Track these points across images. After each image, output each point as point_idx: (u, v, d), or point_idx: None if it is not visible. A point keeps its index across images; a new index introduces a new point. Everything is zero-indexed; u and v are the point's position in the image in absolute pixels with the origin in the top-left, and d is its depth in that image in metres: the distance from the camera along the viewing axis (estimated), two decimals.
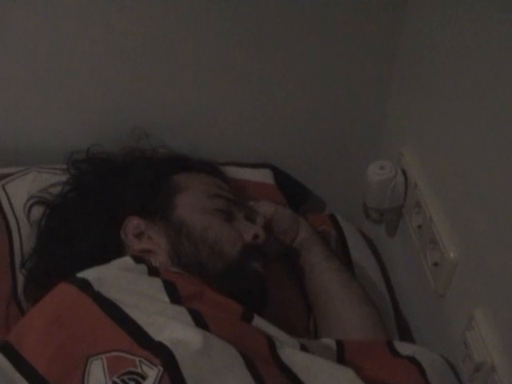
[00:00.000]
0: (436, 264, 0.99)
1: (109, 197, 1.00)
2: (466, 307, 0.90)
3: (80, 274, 0.83)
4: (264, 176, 1.26)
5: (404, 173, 1.10)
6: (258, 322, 0.84)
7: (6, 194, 1.09)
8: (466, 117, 0.90)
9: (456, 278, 0.95)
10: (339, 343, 0.91)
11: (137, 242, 0.95)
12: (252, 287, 0.95)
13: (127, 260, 0.88)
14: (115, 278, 0.83)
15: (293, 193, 1.29)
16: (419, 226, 1.06)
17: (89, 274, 0.82)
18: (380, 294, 1.17)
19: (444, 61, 0.96)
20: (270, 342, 0.79)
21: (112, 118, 1.19)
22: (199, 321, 0.77)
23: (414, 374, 0.88)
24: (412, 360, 0.90)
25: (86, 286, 0.80)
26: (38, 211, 1.05)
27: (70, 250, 0.95)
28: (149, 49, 1.11)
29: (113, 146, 1.11)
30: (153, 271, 0.87)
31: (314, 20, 1.10)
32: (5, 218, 1.06)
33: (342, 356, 0.89)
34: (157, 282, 0.83)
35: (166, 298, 0.81)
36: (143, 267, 0.87)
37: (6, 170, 1.14)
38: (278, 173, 1.28)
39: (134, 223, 0.96)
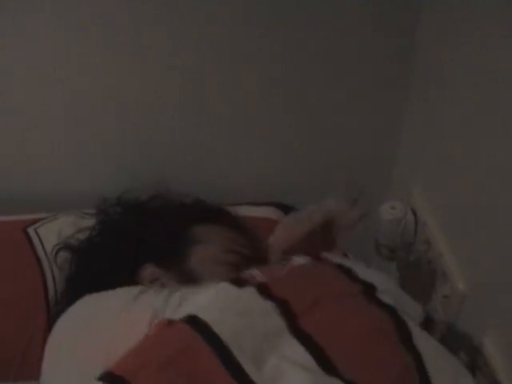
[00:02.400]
0: (446, 296, 1.06)
1: (130, 245, 1.06)
2: (475, 335, 0.97)
3: (193, 311, 0.81)
4: (270, 213, 1.32)
5: (414, 212, 1.18)
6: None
7: (39, 236, 1.16)
8: (474, 158, 0.99)
9: (465, 307, 1.02)
10: None
11: (150, 286, 0.99)
12: None
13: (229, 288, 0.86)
14: (228, 315, 0.82)
15: None
16: (429, 262, 1.13)
17: (203, 314, 0.80)
18: None
19: (454, 101, 1.05)
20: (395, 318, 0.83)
21: (137, 165, 1.28)
22: (320, 358, 0.77)
23: None
24: None
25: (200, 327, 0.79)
26: (66, 255, 1.12)
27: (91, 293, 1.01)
28: (171, 101, 1.22)
29: (141, 193, 1.18)
30: (263, 290, 0.85)
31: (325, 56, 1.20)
32: (38, 259, 1.13)
33: None
34: (268, 306, 0.83)
35: (282, 323, 0.80)
36: (251, 289, 0.85)
37: (37, 215, 1.22)
38: (288, 210, 1.33)
39: (148, 271, 1.02)
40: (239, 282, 0.86)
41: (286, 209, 1.34)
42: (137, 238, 1.06)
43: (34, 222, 1.19)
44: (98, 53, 1.16)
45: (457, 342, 1.05)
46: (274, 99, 1.25)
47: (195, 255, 1.03)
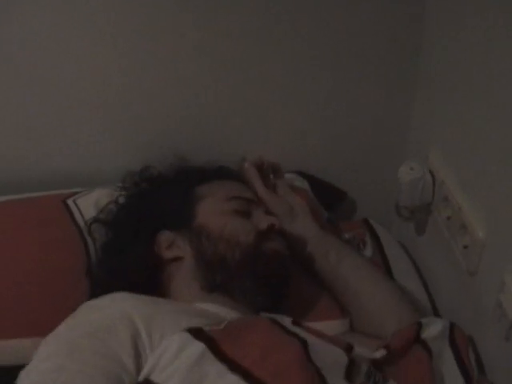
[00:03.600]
0: (466, 247, 1.13)
1: (146, 214, 1.13)
2: (496, 278, 1.03)
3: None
4: (293, 180, 1.39)
5: (431, 172, 1.25)
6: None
7: (78, 207, 1.24)
8: (487, 117, 1.05)
9: (485, 255, 1.08)
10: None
11: (168, 252, 1.08)
12: (273, 267, 1.05)
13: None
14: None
15: (327, 195, 1.42)
16: (448, 218, 1.20)
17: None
18: (416, 286, 1.30)
19: (468, 63, 1.12)
20: None
21: (158, 141, 1.36)
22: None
23: (423, 367, 0.99)
24: (425, 345, 1.02)
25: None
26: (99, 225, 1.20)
27: (119, 262, 1.08)
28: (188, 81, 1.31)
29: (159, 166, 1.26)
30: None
31: (341, 30, 1.29)
32: (79, 228, 1.21)
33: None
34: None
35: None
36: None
37: (74, 190, 1.29)
38: (309, 178, 1.42)
39: (164, 237, 1.09)
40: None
41: (308, 177, 1.41)
42: (148, 208, 1.14)
43: (72, 194, 1.27)
44: (122, 30, 1.24)
45: (479, 288, 1.12)
46: (294, 69, 1.33)
47: (201, 211, 1.10)
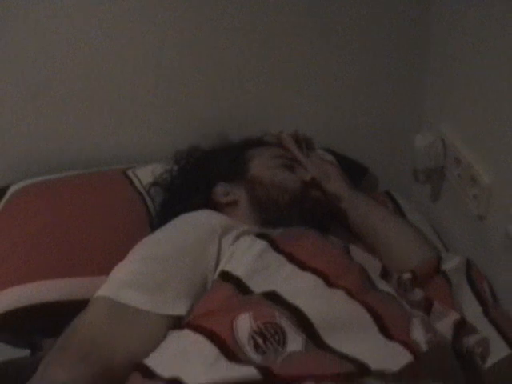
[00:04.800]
0: (475, 196, 1.31)
1: (204, 172, 1.34)
2: (503, 217, 1.21)
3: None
4: (323, 155, 1.57)
5: (442, 140, 1.43)
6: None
7: (137, 176, 1.45)
8: (493, 89, 1.24)
9: (492, 199, 1.26)
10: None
11: (226, 198, 1.28)
12: (316, 209, 1.26)
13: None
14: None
15: (350, 171, 1.56)
16: (459, 175, 1.38)
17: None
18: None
19: (479, 34, 1.27)
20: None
21: (202, 122, 1.54)
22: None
23: (444, 292, 1.16)
24: (445, 275, 1.20)
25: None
26: (157, 189, 1.40)
27: (181, 208, 1.24)
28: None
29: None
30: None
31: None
32: (140, 193, 1.41)
33: None
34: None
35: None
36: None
37: (131, 165, 1.50)
38: (334, 154, 1.59)
39: (220, 187, 1.30)
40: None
41: (333, 154, 1.60)
42: (206, 167, 1.35)
43: (131, 167, 1.47)
44: (176, 11, 1.41)
45: (490, 227, 1.29)
46: (316, 47, 1.51)
47: (253, 166, 1.31)
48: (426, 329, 0.92)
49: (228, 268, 1.00)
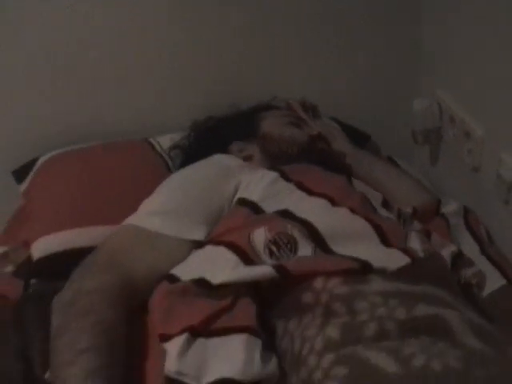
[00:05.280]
0: (470, 150, 1.43)
1: (219, 134, 1.47)
2: (494, 165, 1.32)
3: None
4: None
5: (438, 104, 1.56)
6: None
7: (158, 142, 1.58)
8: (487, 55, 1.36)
9: (485, 152, 1.38)
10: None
11: (241, 153, 1.40)
12: (322, 161, 1.35)
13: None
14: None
15: (353, 139, 1.65)
16: (454, 135, 1.51)
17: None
18: None
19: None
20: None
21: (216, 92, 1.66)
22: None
23: (443, 230, 1.27)
24: (443, 216, 1.32)
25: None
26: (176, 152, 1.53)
27: None
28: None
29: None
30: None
31: None
32: (161, 155, 1.54)
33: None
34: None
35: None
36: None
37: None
38: (338, 123, 1.69)
39: (236, 145, 1.42)
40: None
41: (337, 122, 1.72)
42: (222, 130, 1.48)
43: (152, 136, 1.60)
44: None
45: (483, 178, 1.41)
46: (316, 14, 1.62)
47: (264, 125, 1.44)
48: (422, 241, 1.05)
49: (244, 195, 1.13)
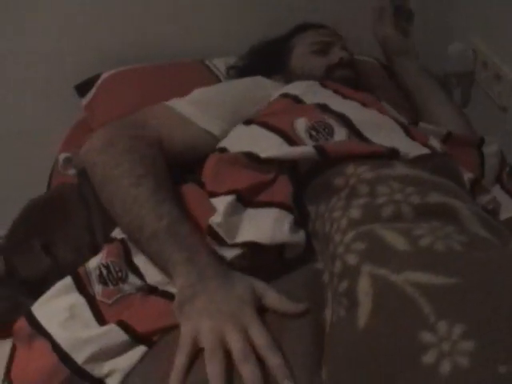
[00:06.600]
0: (500, 92, 1.54)
1: (259, 64, 1.59)
2: None
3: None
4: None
5: (472, 49, 1.67)
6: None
7: (213, 64, 1.72)
8: None
9: None
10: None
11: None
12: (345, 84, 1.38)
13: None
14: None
15: None
16: (486, 77, 1.61)
17: None
18: None
19: None
20: None
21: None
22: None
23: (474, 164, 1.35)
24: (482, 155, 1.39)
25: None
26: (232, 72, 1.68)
27: None
28: None
29: None
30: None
31: None
32: (215, 74, 1.69)
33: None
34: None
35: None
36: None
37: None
38: None
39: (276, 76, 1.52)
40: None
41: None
42: (261, 61, 1.61)
43: (207, 58, 1.74)
44: None
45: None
46: None
47: (293, 57, 1.55)
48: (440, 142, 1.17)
49: (286, 90, 1.27)
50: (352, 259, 0.83)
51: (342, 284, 0.82)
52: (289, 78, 1.46)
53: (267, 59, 1.58)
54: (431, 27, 1.84)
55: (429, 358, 0.68)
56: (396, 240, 0.83)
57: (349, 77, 1.48)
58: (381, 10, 1.59)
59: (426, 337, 0.69)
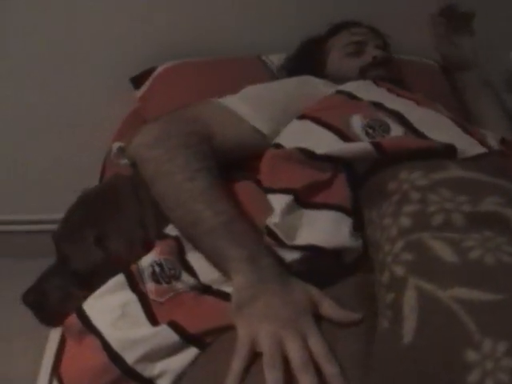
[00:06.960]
0: None
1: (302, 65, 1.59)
2: None
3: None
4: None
5: None
6: None
7: (269, 59, 1.73)
8: None
9: None
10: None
11: None
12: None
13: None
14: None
15: None
16: None
17: None
18: None
19: None
20: None
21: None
22: None
23: None
24: None
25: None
26: None
27: None
28: None
29: None
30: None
31: None
32: (270, 70, 1.70)
33: None
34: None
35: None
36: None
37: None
38: None
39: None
40: None
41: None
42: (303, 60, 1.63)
43: (264, 54, 1.74)
44: None
45: None
46: None
47: (329, 60, 1.57)
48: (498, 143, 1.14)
49: (340, 88, 1.24)
50: (399, 270, 0.82)
51: (389, 295, 0.81)
52: (332, 80, 1.43)
53: (312, 60, 1.59)
54: (493, 32, 1.79)
55: (473, 377, 0.67)
56: (444, 251, 0.81)
57: (384, 76, 1.43)
58: (445, 26, 1.57)
59: (471, 356, 0.68)
